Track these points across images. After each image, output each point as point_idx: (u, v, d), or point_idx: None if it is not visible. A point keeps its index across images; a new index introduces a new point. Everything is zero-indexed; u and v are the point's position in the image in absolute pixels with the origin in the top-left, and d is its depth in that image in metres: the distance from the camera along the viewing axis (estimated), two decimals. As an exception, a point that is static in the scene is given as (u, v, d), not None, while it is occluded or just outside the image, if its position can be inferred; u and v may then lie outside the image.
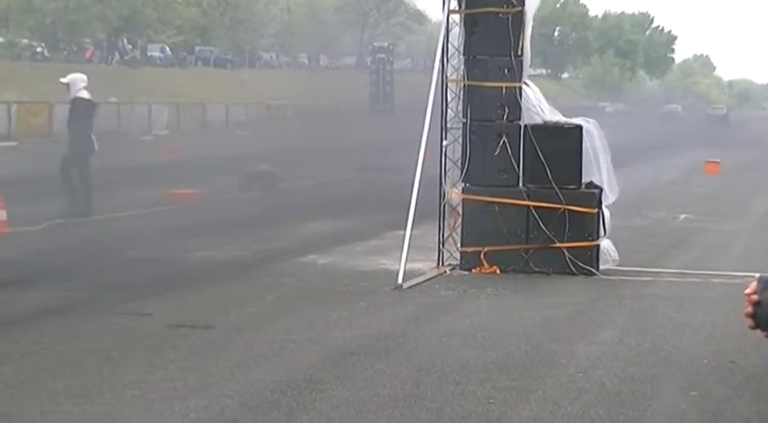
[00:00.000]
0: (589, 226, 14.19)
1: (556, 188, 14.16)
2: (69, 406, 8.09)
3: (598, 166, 14.65)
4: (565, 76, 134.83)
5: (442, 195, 14.74)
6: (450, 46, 14.82)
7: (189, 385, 8.66)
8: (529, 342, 10.39)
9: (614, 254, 14.47)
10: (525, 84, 14.61)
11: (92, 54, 70.75)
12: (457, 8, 14.68)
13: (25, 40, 68.07)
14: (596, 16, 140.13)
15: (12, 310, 11.44)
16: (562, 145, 14.32)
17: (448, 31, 14.80)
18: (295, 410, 8.03)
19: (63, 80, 19.35)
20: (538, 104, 14.66)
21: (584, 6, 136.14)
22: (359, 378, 8.99)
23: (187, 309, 11.75)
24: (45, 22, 67.81)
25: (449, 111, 14.80)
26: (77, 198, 18.73)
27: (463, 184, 14.60)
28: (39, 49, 67.51)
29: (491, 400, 8.38)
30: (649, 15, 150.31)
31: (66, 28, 68.92)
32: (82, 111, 18.89)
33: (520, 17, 14.38)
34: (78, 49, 71.03)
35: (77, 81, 19.14)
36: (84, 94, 18.98)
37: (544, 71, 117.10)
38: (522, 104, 14.47)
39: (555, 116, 14.74)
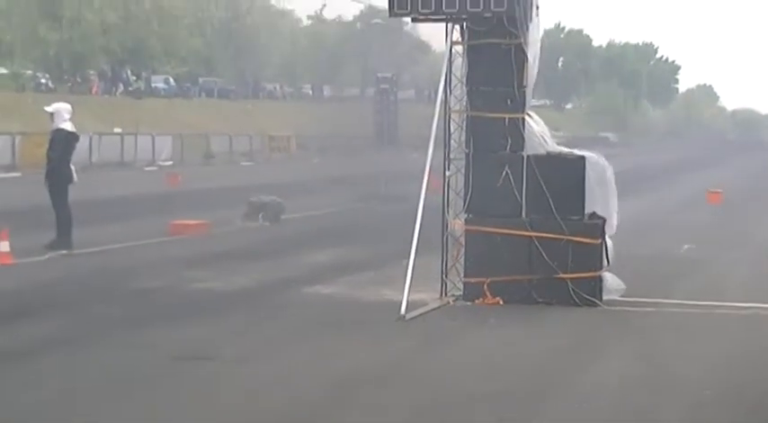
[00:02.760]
0: (592, 256, 14.19)
1: (559, 219, 14.17)
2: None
3: (603, 197, 14.66)
4: (569, 106, 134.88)
5: (445, 226, 14.76)
6: (453, 77, 14.84)
7: (191, 417, 8.65)
8: (532, 373, 10.38)
9: (620, 283, 14.46)
10: (528, 115, 14.64)
11: (97, 89, 70.92)
12: (460, 39, 14.72)
13: (29, 71, 68.09)
14: (600, 46, 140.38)
15: (13, 342, 11.41)
16: (565, 176, 14.33)
17: (451, 61, 14.81)
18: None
19: (48, 109, 19.09)
20: (541, 135, 14.69)
21: (588, 36, 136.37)
22: (362, 410, 8.99)
23: (191, 340, 11.74)
24: (49, 54, 67.90)
25: (452, 141, 14.81)
26: (60, 230, 18.47)
27: (466, 215, 14.61)
28: (43, 81, 67.59)
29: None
30: (653, 45, 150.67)
31: (71, 59, 69.06)
32: (63, 142, 18.74)
33: (522, 48, 14.40)
34: (83, 81, 71.13)
35: (62, 111, 18.86)
36: (68, 126, 18.71)
37: (548, 102, 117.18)
38: (525, 135, 14.50)
39: (560, 148, 14.79)
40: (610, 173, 14.82)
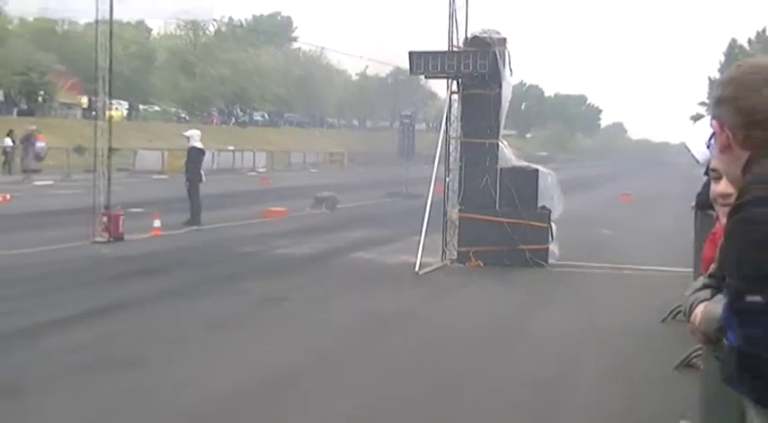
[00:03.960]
0: (542, 235, 14.10)
1: (520, 209, 14.07)
2: (176, 354, 7.98)
3: (550, 195, 14.57)
4: (528, 135, 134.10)
5: (444, 213, 14.63)
6: (451, 114, 14.73)
7: (264, 344, 8.51)
8: (504, 318, 10.18)
9: (557, 252, 14.36)
10: (501, 141, 14.56)
11: (216, 120, 71.11)
12: (456, 90, 14.60)
13: (173, 109, 68.60)
14: (550, 96, 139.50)
15: (149, 291, 11.19)
16: (524, 181, 14.27)
17: (450, 105, 14.72)
18: (327, 378, 7.85)
19: (185, 134, 19.30)
20: (510, 154, 14.66)
21: (541, 89, 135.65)
22: (389, 338, 8.84)
23: (273, 288, 11.59)
24: (185, 97, 68.37)
25: (450, 158, 14.70)
26: (193, 213, 18.62)
27: (460, 207, 14.50)
28: (182, 115, 67.89)
29: (473, 362, 8.19)
30: (585, 97, 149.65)
31: (199, 100, 69.42)
32: (195, 156, 18.84)
33: (498, 95, 14.30)
34: (207, 115, 71.40)
35: (195, 135, 19.02)
36: (198, 145, 18.81)
37: (514, 132, 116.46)
38: (499, 154, 14.44)
39: (521, 163, 14.72)
40: (553, 179, 14.69)
